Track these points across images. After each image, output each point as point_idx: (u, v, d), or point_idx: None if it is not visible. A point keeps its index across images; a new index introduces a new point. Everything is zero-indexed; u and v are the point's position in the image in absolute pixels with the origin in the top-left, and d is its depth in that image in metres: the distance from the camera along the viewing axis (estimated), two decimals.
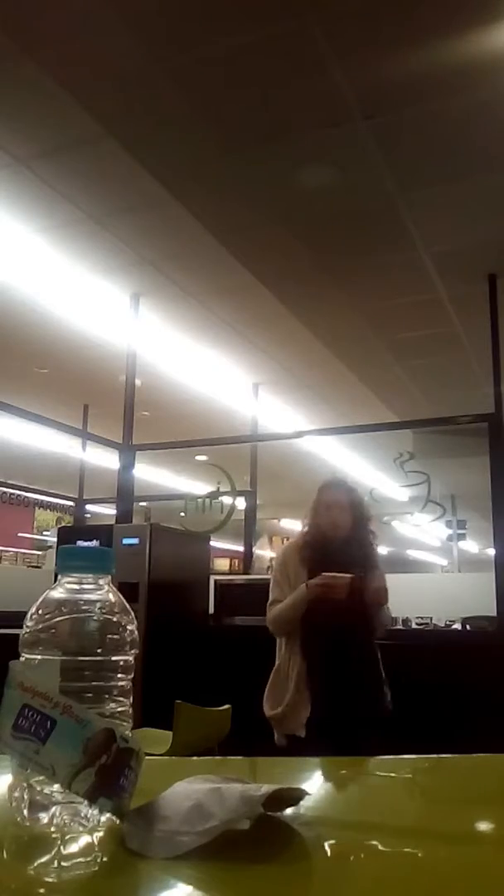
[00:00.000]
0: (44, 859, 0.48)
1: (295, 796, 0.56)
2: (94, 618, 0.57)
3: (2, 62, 3.19)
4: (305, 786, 0.57)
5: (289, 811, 0.55)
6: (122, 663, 0.58)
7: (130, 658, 0.59)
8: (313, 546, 2.67)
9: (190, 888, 0.45)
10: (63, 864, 0.47)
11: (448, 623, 6.24)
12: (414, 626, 5.68)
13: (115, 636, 0.58)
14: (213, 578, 5.26)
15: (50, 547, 10.26)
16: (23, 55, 3.15)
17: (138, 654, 0.59)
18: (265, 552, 13.38)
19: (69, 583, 0.59)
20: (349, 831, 0.58)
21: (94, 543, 4.43)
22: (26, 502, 12.25)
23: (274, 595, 2.67)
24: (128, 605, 0.60)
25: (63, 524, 10.74)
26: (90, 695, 0.55)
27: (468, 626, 5.35)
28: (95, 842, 0.50)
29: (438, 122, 3.55)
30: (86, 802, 0.50)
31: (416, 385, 7.21)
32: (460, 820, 0.61)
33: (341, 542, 2.63)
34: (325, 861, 0.50)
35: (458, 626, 5.71)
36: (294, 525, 16.17)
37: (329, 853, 0.50)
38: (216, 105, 3.48)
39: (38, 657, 0.56)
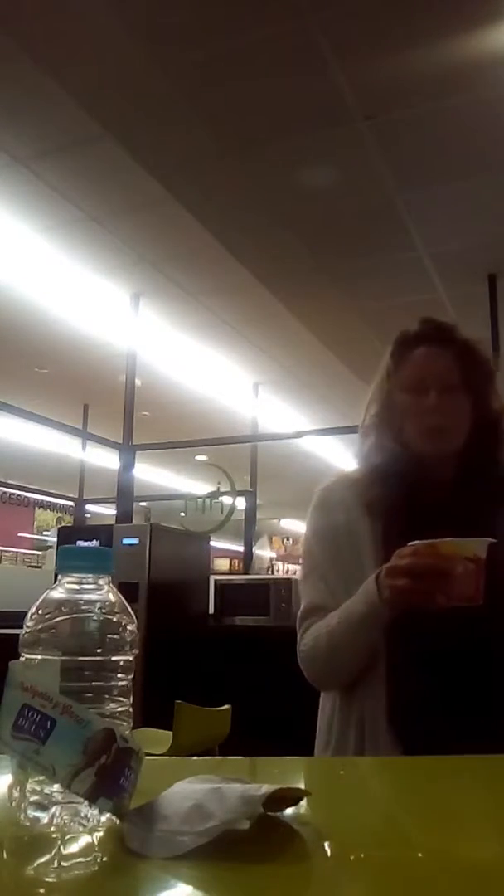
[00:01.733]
0: (44, 859, 0.48)
1: (295, 796, 0.56)
2: (94, 618, 0.57)
3: (2, 62, 3.19)
4: (305, 786, 0.57)
5: (289, 811, 0.55)
6: (122, 663, 0.58)
7: (130, 658, 0.59)
8: (389, 480, 1.24)
9: (190, 888, 0.45)
10: (63, 864, 0.47)
11: None
12: None
13: (115, 636, 0.58)
14: (213, 578, 5.25)
15: (50, 547, 10.25)
16: (23, 55, 3.15)
17: (138, 654, 0.59)
18: (265, 552, 13.38)
19: (69, 583, 0.59)
20: (349, 831, 0.58)
21: (94, 543, 4.43)
22: (26, 502, 12.25)
23: (308, 597, 1.27)
24: (128, 606, 0.60)
25: (63, 524, 10.74)
26: (90, 695, 0.55)
27: None
28: (95, 842, 0.50)
29: (438, 122, 3.55)
30: (86, 802, 0.50)
31: None
32: (461, 820, 0.61)
33: (454, 471, 1.26)
34: (325, 861, 0.50)
35: None
36: (295, 526, 15.97)
37: (329, 853, 0.50)
38: (216, 105, 3.48)
39: (38, 657, 0.56)
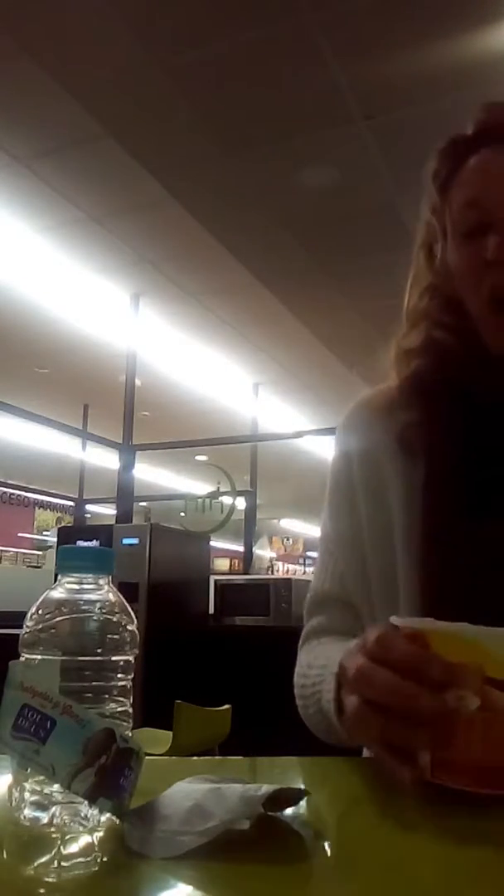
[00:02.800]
0: (44, 859, 0.48)
1: (295, 796, 0.55)
2: (94, 618, 0.57)
3: (2, 62, 3.19)
4: (305, 786, 0.57)
5: (289, 811, 0.55)
6: (122, 663, 0.58)
7: (130, 658, 0.59)
8: (434, 394, 0.79)
9: (190, 888, 0.45)
10: (63, 864, 0.47)
11: None
12: None
13: (115, 636, 0.58)
14: (213, 578, 5.26)
15: (50, 547, 10.25)
16: (23, 55, 3.15)
17: (138, 654, 0.59)
18: (265, 552, 13.38)
19: (69, 583, 0.59)
20: (349, 831, 0.58)
21: (94, 543, 4.43)
22: (26, 502, 12.25)
23: (314, 578, 0.86)
24: (128, 605, 0.60)
25: (63, 524, 10.74)
26: (90, 695, 0.55)
27: None
28: (95, 842, 0.50)
29: (438, 122, 3.54)
30: (86, 802, 0.50)
31: None
32: (462, 820, 0.61)
33: None
34: (325, 861, 0.50)
35: None
36: (295, 526, 15.90)
37: (329, 853, 0.50)
38: (216, 105, 3.48)
39: (38, 657, 0.56)
